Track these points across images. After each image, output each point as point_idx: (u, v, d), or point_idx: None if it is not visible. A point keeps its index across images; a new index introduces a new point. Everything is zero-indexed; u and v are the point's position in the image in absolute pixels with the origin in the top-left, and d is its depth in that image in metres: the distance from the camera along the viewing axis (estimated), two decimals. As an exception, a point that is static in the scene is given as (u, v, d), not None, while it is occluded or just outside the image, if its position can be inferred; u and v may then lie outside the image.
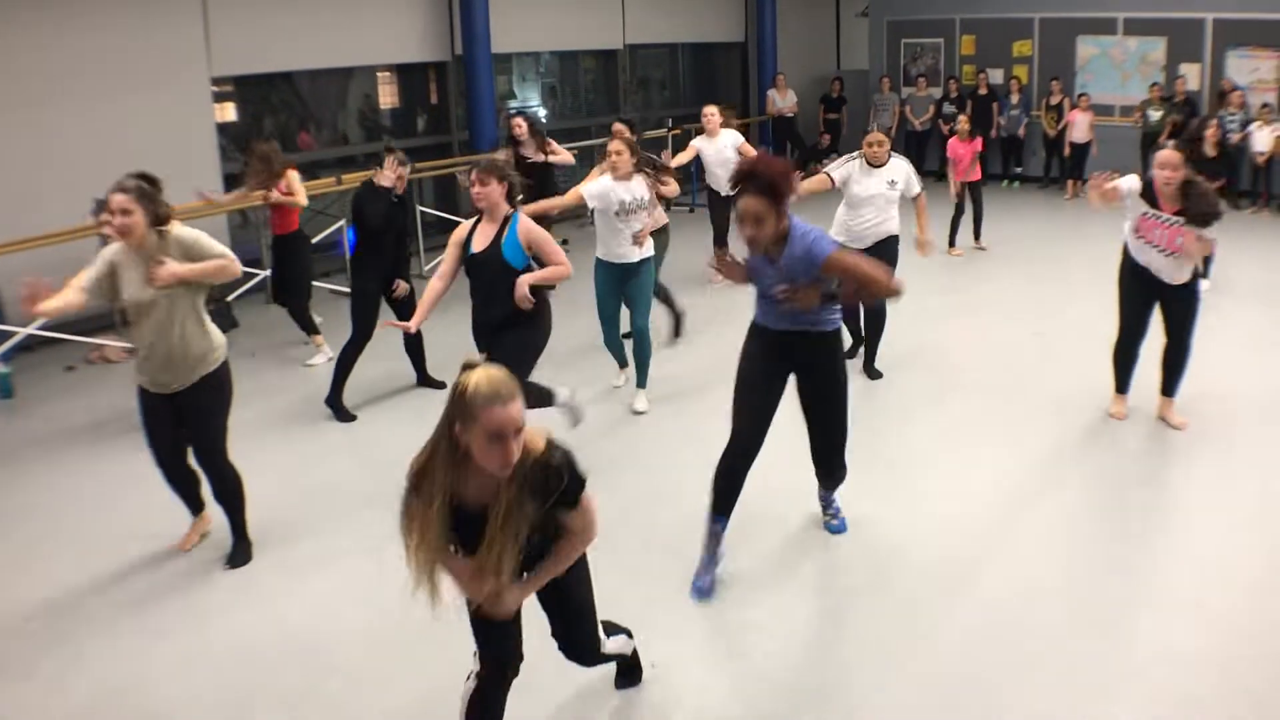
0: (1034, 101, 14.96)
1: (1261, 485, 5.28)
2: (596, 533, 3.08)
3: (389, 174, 6.61)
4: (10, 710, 3.80)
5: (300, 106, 11.49)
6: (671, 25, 15.22)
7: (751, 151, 9.18)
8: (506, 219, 5.31)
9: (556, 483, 2.85)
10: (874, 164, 6.79)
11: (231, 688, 3.89)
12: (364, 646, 4.14)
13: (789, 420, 4.68)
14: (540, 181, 8.65)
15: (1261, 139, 12.48)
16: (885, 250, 6.65)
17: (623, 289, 6.63)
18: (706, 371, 7.27)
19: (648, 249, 6.60)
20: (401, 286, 6.72)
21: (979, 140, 10.75)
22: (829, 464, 4.70)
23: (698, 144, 9.38)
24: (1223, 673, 3.76)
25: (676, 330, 8.07)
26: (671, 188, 6.95)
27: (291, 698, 3.83)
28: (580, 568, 3.23)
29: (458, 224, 11.61)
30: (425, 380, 7.11)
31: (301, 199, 7.68)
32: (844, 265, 4.15)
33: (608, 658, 3.54)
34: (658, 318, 7.98)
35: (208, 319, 4.62)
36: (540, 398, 5.54)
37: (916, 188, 6.95)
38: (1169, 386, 6.10)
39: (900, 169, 6.86)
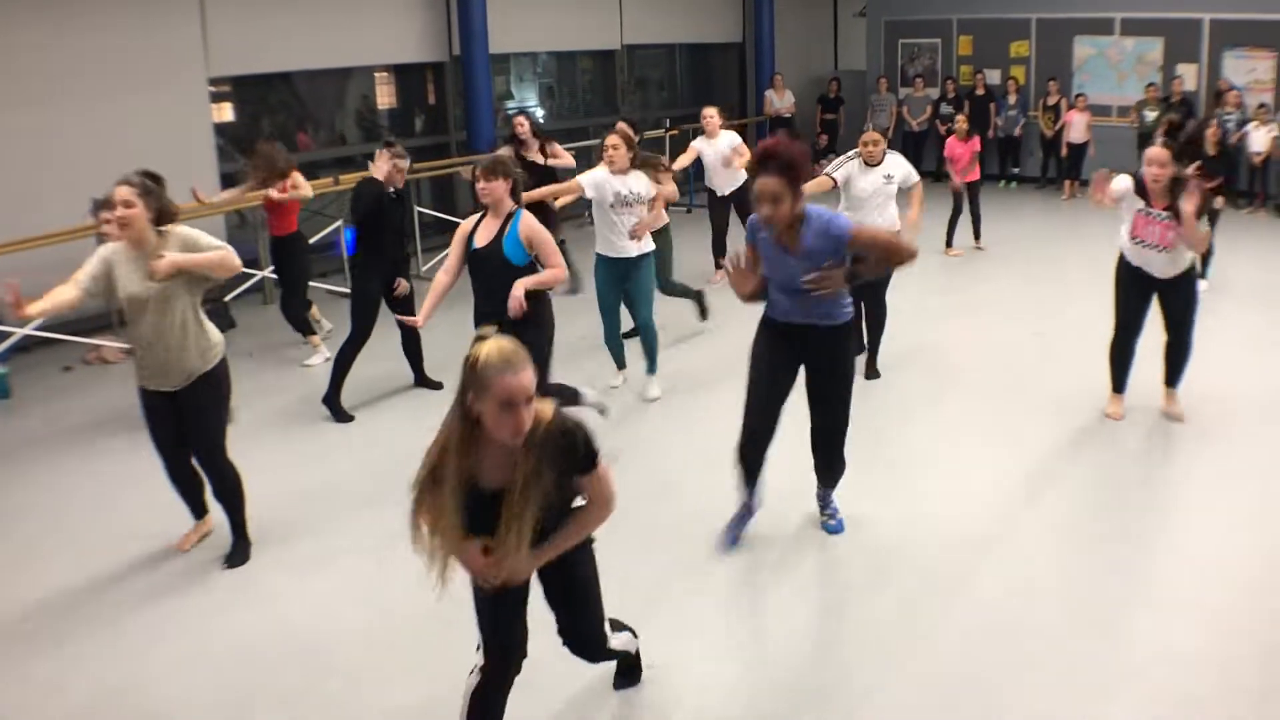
0: (1031, 102, 14.97)
1: (1261, 485, 5.28)
2: (616, 503, 3.08)
3: (382, 165, 6.59)
4: (10, 710, 3.79)
5: (298, 107, 11.48)
6: (669, 26, 15.23)
7: (747, 152, 9.19)
8: (509, 215, 5.34)
9: (574, 447, 2.88)
10: (870, 163, 6.86)
11: (231, 688, 3.89)
12: (363, 646, 4.13)
13: (789, 421, 4.69)
14: (541, 183, 8.64)
15: (1258, 139, 12.50)
16: None
17: (623, 286, 6.67)
18: (708, 369, 7.31)
19: (647, 245, 6.64)
20: (402, 286, 6.72)
21: (976, 140, 10.76)
22: (829, 456, 4.72)
23: (698, 145, 9.40)
24: (1222, 672, 3.76)
25: (702, 312, 8.22)
26: (669, 188, 6.97)
27: (291, 698, 3.82)
28: (588, 560, 3.24)
29: (456, 224, 11.63)
30: (423, 381, 7.11)
31: (306, 191, 7.67)
32: (868, 236, 4.36)
33: (613, 654, 3.54)
34: (678, 310, 8.03)
35: (205, 318, 4.62)
36: (568, 398, 5.56)
37: (915, 177, 7.12)
38: (1171, 378, 6.13)
39: (896, 163, 6.99)
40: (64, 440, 6.48)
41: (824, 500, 4.97)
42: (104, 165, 6.01)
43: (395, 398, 6.98)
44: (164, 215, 4.40)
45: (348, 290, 9.23)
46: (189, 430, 4.67)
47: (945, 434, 6.12)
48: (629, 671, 3.78)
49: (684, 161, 9.29)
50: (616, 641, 3.51)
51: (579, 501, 3.08)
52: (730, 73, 16.90)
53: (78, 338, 8.12)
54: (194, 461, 4.80)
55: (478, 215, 5.49)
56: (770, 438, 4.63)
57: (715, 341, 8.03)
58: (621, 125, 6.73)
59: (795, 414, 4.74)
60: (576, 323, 7.61)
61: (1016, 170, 15.16)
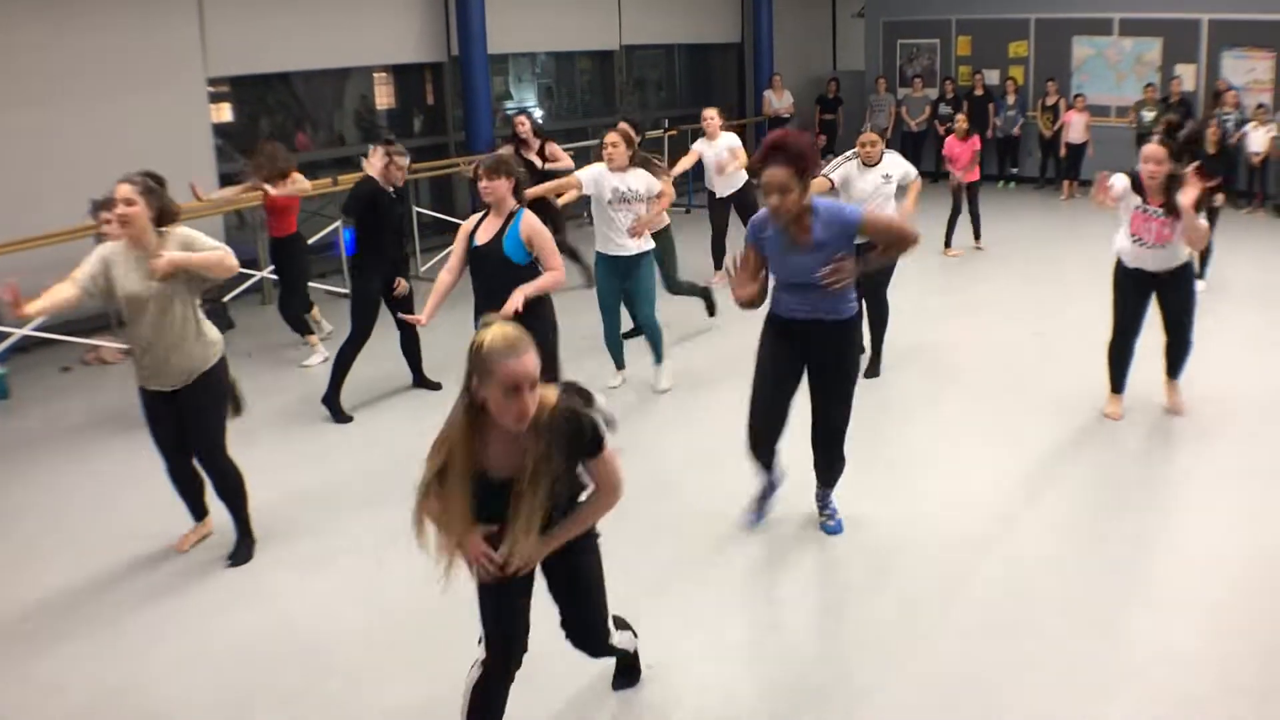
0: (1030, 102, 14.98)
1: (1260, 485, 5.28)
2: (624, 489, 3.09)
3: (375, 162, 6.56)
4: (9, 710, 3.79)
5: (296, 107, 11.47)
6: (668, 26, 15.23)
7: (743, 154, 9.22)
8: (511, 214, 5.36)
9: (580, 432, 2.90)
10: (868, 163, 6.86)
11: (231, 688, 3.89)
12: (363, 646, 4.13)
13: (786, 426, 4.70)
14: (540, 182, 8.66)
15: (1257, 139, 12.51)
16: None
17: (623, 284, 6.70)
18: (710, 368, 7.34)
19: (646, 243, 6.67)
20: (402, 286, 6.71)
21: (976, 139, 10.77)
22: (830, 454, 4.73)
23: (698, 147, 9.40)
24: (1222, 672, 3.76)
25: (710, 308, 8.29)
26: (666, 188, 6.98)
27: (291, 698, 3.82)
28: (593, 552, 3.25)
29: (454, 224, 11.63)
30: (421, 381, 7.11)
31: (304, 184, 7.66)
32: (878, 221, 4.49)
33: (614, 650, 3.54)
34: (681, 310, 8.03)
35: (204, 317, 4.63)
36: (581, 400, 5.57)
37: (913, 174, 7.13)
38: (1173, 370, 6.18)
39: (894, 163, 6.99)
40: (63, 440, 6.48)
41: (823, 500, 4.97)
42: (103, 165, 6.02)
43: (394, 398, 6.98)
44: (165, 215, 4.41)
45: (347, 291, 9.24)
46: (189, 430, 4.68)
47: (945, 434, 6.12)
48: (628, 671, 3.78)
49: (684, 165, 9.29)
50: (618, 639, 3.51)
51: (585, 495, 3.09)
52: (729, 73, 16.91)
53: (76, 338, 8.12)
54: (194, 462, 4.81)
55: (480, 214, 5.51)
56: (777, 437, 4.69)
57: (717, 340, 8.03)
58: (623, 125, 6.75)
59: (795, 413, 4.75)
60: (576, 322, 7.61)
61: (1015, 170, 15.17)
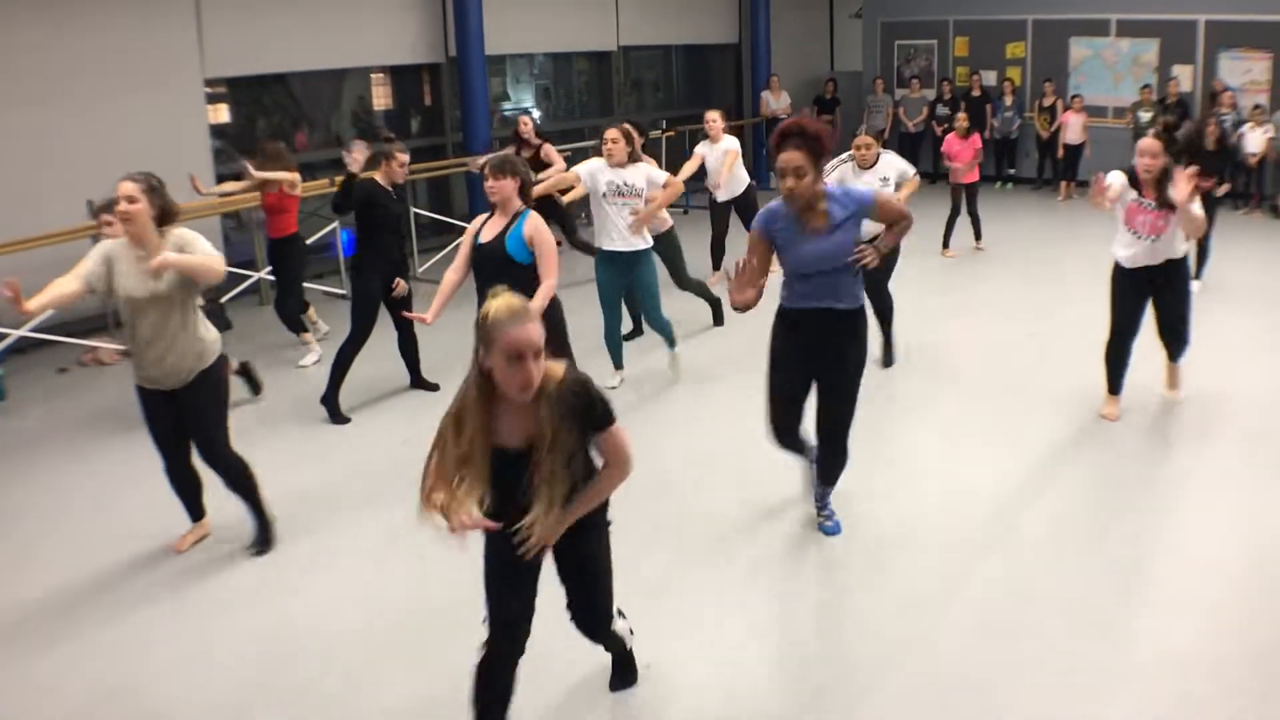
0: (1027, 103, 15.00)
1: (1259, 485, 5.29)
2: (633, 464, 3.11)
3: (357, 157, 6.47)
4: (8, 711, 3.78)
5: (294, 108, 11.47)
6: (665, 27, 15.23)
7: (734, 157, 9.25)
8: (517, 214, 5.39)
9: (590, 403, 2.96)
10: (863, 166, 6.85)
11: (230, 688, 3.88)
12: (362, 646, 4.12)
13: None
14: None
15: (1253, 140, 12.52)
16: None
17: (623, 281, 6.77)
18: (711, 367, 7.34)
19: (645, 240, 6.72)
20: (401, 286, 6.71)
21: (977, 137, 10.78)
22: (834, 447, 4.73)
23: (701, 150, 9.40)
24: (1222, 672, 3.76)
25: (717, 317, 8.38)
26: (672, 179, 7.01)
27: (291, 698, 3.81)
28: (603, 538, 3.28)
29: (451, 225, 11.65)
30: (419, 382, 7.10)
31: (292, 176, 7.63)
32: (888, 201, 4.63)
33: (615, 636, 3.56)
34: (685, 308, 8.03)
35: (202, 316, 4.65)
36: None
37: (911, 173, 7.10)
38: (1174, 355, 6.27)
39: (890, 165, 6.97)
40: (62, 441, 6.47)
41: (821, 500, 4.96)
42: (101, 165, 6.01)
43: (393, 399, 6.98)
44: (166, 215, 4.43)
45: (344, 292, 9.25)
46: (190, 429, 4.69)
47: (945, 434, 6.12)
48: (625, 672, 3.78)
49: (689, 169, 9.27)
50: (620, 626, 3.55)
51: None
52: (726, 74, 16.91)
53: (74, 339, 8.11)
54: (194, 462, 4.82)
55: (487, 214, 5.55)
56: (798, 426, 4.75)
57: (718, 339, 8.05)
58: (626, 125, 6.80)
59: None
60: (575, 321, 7.57)
61: (1013, 171, 15.19)
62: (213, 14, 9.65)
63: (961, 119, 10.90)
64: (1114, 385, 6.18)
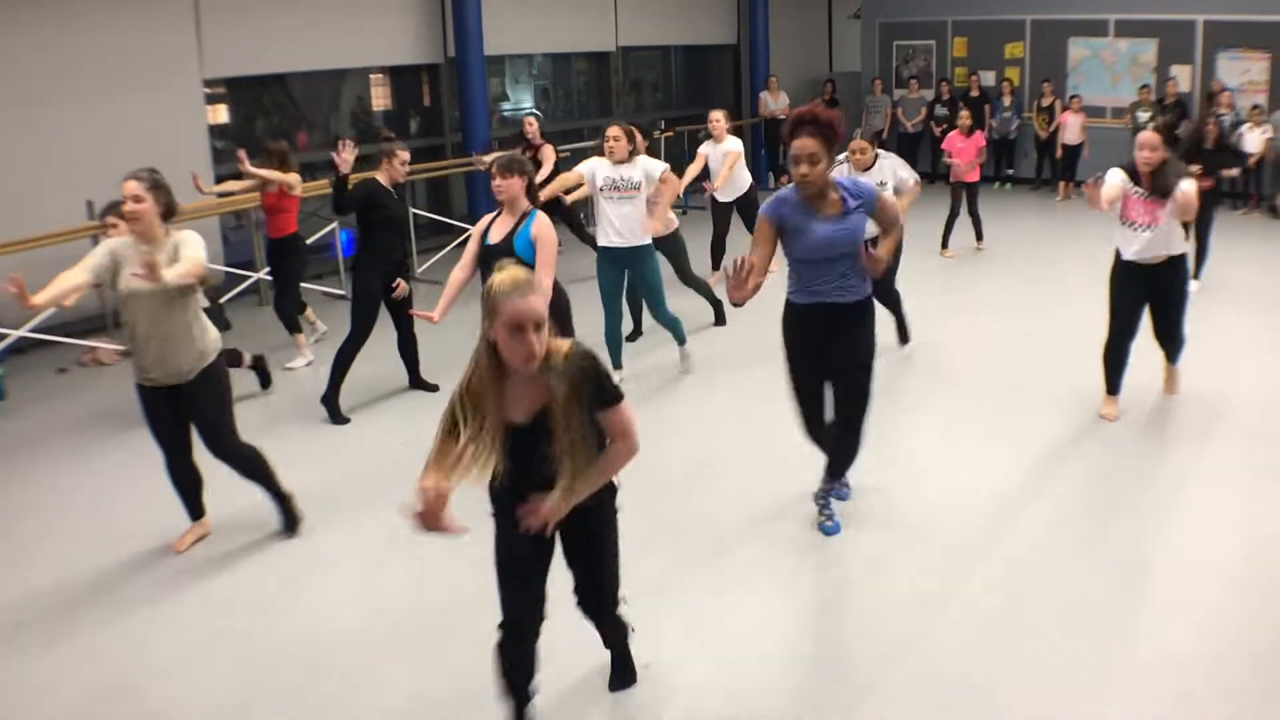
0: (1026, 103, 15.00)
1: (1258, 485, 5.29)
2: (638, 442, 3.12)
3: (344, 157, 6.44)
4: (7, 711, 3.78)
5: (293, 108, 11.46)
6: (664, 28, 15.24)
7: (738, 158, 9.27)
8: (525, 214, 5.42)
9: (597, 376, 2.97)
10: (860, 170, 6.82)
11: (230, 688, 3.88)
12: (361, 647, 4.12)
13: (788, 422, 4.69)
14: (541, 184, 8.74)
15: (1252, 141, 12.52)
16: None
17: (623, 277, 6.85)
18: (710, 367, 7.34)
19: (645, 237, 6.77)
20: (402, 286, 6.70)
21: (980, 134, 10.79)
22: (849, 435, 4.76)
23: (704, 150, 9.41)
24: (1221, 672, 3.76)
25: (719, 318, 8.42)
26: (668, 174, 7.04)
27: (290, 698, 3.81)
28: (611, 524, 3.30)
29: (450, 225, 11.65)
30: (418, 383, 7.10)
31: (289, 178, 7.62)
32: (885, 202, 4.65)
33: (621, 623, 3.59)
34: (688, 308, 8.03)
35: (202, 314, 4.66)
36: None
37: (909, 179, 7.03)
38: (1172, 358, 6.31)
39: (887, 168, 6.91)
40: (61, 441, 6.47)
41: (824, 498, 4.95)
42: (101, 165, 5.99)
43: (391, 399, 6.98)
44: (171, 210, 4.48)
45: (343, 292, 9.24)
46: (197, 426, 4.74)
47: (945, 434, 6.12)
48: (624, 671, 3.78)
49: (693, 171, 9.29)
50: (624, 610, 3.57)
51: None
52: (725, 75, 16.91)
53: (73, 339, 8.10)
54: (195, 459, 4.85)
55: (494, 213, 5.58)
56: (824, 416, 4.79)
57: (719, 339, 8.05)
58: (629, 125, 6.84)
59: (789, 413, 4.76)
60: (577, 319, 7.58)
61: (1011, 172, 15.20)
62: (212, 14, 9.65)
63: (965, 116, 10.91)
64: (1113, 386, 6.18)
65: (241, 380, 6.01)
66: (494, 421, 2.94)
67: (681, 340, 7.24)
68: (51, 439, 6.51)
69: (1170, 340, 6.13)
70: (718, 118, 9.36)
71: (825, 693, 3.75)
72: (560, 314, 5.46)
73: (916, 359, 7.43)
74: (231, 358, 6.73)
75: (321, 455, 6.11)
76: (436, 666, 3.90)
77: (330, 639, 4.18)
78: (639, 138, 6.83)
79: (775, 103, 15.85)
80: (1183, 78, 13.96)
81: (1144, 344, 6.12)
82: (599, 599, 3.45)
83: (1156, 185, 5.64)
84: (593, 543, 3.30)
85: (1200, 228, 8.75)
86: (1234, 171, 9.29)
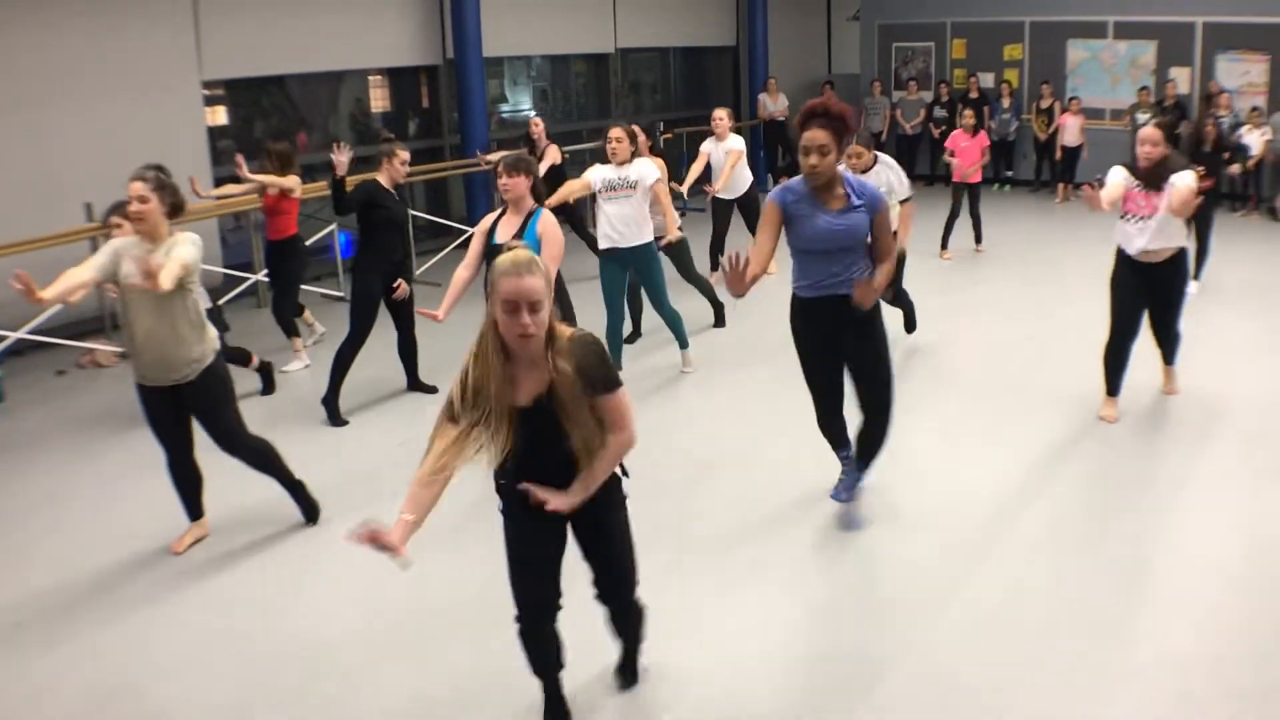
0: (1025, 105, 15.01)
1: (1258, 486, 5.29)
2: (636, 435, 3.13)
3: (340, 159, 6.45)
4: (7, 711, 3.78)
5: (291, 110, 11.46)
6: (663, 29, 15.25)
7: (740, 157, 9.26)
8: (530, 213, 5.46)
9: (599, 359, 3.00)
10: (857, 173, 6.78)
11: (230, 688, 3.88)
12: (361, 647, 4.12)
13: (789, 423, 4.69)
14: (549, 185, 8.72)
15: (1251, 142, 12.52)
16: None
17: (624, 277, 6.87)
18: (710, 367, 7.34)
19: (644, 236, 6.81)
20: (402, 287, 6.70)
21: (984, 135, 10.79)
22: (878, 422, 4.78)
23: (706, 148, 9.43)
24: (1221, 672, 3.76)
25: (719, 320, 8.43)
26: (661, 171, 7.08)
27: (290, 698, 3.81)
28: (617, 504, 3.30)
29: (449, 227, 11.64)
30: (417, 384, 7.09)
31: (288, 181, 7.62)
32: (884, 218, 4.60)
33: (638, 608, 3.58)
34: (690, 307, 8.04)
35: (203, 313, 4.66)
36: None
37: (904, 193, 6.80)
38: (1169, 358, 6.37)
39: (887, 174, 6.74)
40: (61, 442, 6.47)
41: (849, 492, 4.96)
42: (100, 167, 5.99)
43: (390, 401, 6.97)
44: (176, 208, 4.49)
45: (341, 294, 9.24)
46: (204, 426, 4.76)
47: (945, 434, 6.12)
48: (627, 671, 3.78)
49: (696, 170, 9.31)
50: (639, 596, 3.56)
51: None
52: (724, 76, 16.93)
53: (72, 341, 8.10)
54: (195, 458, 4.85)
55: (498, 212, 5.61)
56: (842, 407, 4.81)
57: (719, 340, 8.06)
58: (633, 126, 6.87)
59: (789, 413, 4.76)
60: (578, 319, 7.61)
61: (1010, 174, 15.20)
62: (211, 16, 9.64)
63: (969, 115, 10.89)
64: (1113, 387, 6.18)
65: (242, 381, 6.00)
66: (499, 404, 2.95)
67: (684, 344, 7.27)
68: (51, 440, 6.51)
69: (1167, 337, 6.16)
70: (721, 116, 9.36)
71: (825, 693, 3.75)
72: (563, 307, 5.47)
73: (916, 359, 7.44)
74: (239, 356, 6.75)
75: (321, 457, 6.10)
76: (436, 666, 3.90)
77: (330, 639, 4.18)
78: (641, 137, 6.86)
79: (774, 104, 15.86)
80: (1182, 80, 13.97)
81: (1143, 345, 6.13)
82: (618, 587, 3.43)
83: (1153, 176, 5.69)
84: (601, 530, 3.30)
85: (1200, 228, 8.76)
86: (1236, 168, 9.30)
